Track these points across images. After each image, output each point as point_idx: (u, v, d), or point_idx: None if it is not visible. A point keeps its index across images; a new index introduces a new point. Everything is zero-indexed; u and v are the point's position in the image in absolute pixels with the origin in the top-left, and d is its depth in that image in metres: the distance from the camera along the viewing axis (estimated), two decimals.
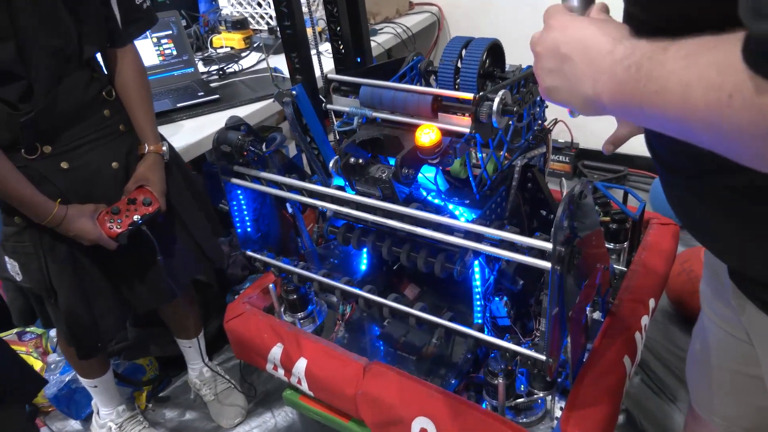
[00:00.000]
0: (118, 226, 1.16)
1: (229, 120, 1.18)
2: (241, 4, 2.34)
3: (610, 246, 1.45)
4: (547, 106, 1.32)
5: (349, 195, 1.05)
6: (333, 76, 1.10)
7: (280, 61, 2.01)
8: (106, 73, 1.28)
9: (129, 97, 1.26)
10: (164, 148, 1.31)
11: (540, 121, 1.30)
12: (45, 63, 1.10)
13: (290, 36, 1.15)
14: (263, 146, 1.20)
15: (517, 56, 1.25)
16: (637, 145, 3.00)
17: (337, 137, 1.29)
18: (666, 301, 1.88)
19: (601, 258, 1.08)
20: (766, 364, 0.71)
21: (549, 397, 1.11)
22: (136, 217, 1.18)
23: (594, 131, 2.64)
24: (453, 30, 2.77)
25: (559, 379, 1.13)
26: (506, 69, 1.27)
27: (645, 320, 1.22)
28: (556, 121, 1.34)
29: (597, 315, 1.22)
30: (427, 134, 0.94)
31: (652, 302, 1.27)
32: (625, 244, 1.45)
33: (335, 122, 1.15)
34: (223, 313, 1.85)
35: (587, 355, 1.14)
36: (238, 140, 1.13)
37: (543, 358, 0.92)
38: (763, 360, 0.72)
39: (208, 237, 1.46)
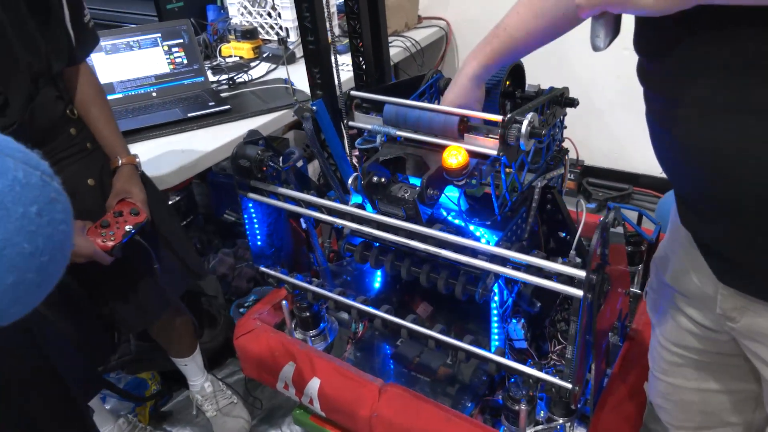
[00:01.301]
0: (112, 239, 1.12)
1: (248, 134, 1.16)
2: (251, 13, 2.33)
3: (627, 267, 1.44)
4: (566, 127, 1.31)
5: (372, 214, 1.03)
6: (355, 93, 1.09)
7: (290, 72, 2.00)
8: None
9: (91, 115, 1.24)
10: (138, 159, 1.28)
11: (558, 142, 1.29)
12: (20, 77, 1.08)
13: (313, 51, 1.14)
14: (280, 161, 1.19)
15: (526, 71, 1.24)
16: (641, 164, 3.01)
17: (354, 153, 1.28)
18: None
19: (622, 283, 1.07)
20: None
21: (568, 424, 1.09)
22: (128, 227, 1.15)
23: (600, 148, 2.65)
24: (460, 44, 2.77)
25: (578, 406, 1.11)
26: (525, 89, 1.27)
27: None
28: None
29: (615, 339, 1.21)
30: (455, 156, 0.93)
31: None
32: (640, 267, 1.44)
33: (352, 140, 1.13)
34: (227, 326, 1.84)
35: (606, 380, 1.13)
36: (257, 155, 1.11)
37: (569, 386, 0.91)
38: (763, 365, 0.72)
39: (188, 250, 1.43)
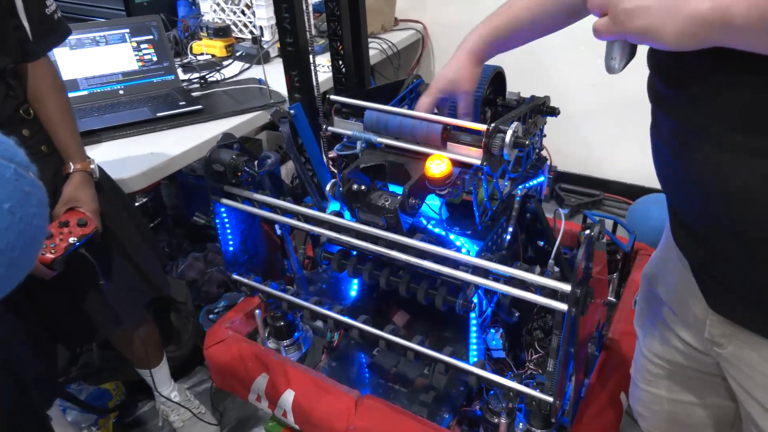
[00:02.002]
0: (52, 252, 1.04)
1: (222, 137, 1.12)
2: (223, 10, 2.27)
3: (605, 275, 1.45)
4: (545, 135, 1.31)
5: (351, 223, 1.00)
6: (335, 97, 1.06)
7: (261, 73, 1.95)
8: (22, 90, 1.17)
9: (48, 115, 1.16)
10: (92, 165, 1.20)
11: (538, 150, 1.29)
12: None
13: (292, 53, 1.10)
14: (256, 166, 1.15)
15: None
16: (613, 170, 3.05)
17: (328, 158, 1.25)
18: None
19: (601, 292, 1.07)
20: (751, 398, 0.71)
21: None
22: (72, 240, 1.06)
23: (573, 154, 2.68)
24: (436, 47, 2.76)
25: (557, 415, 1.10)
26: (506, 96, 1.26)
27: None
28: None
29: (592, 349, 1.21)
30: (438, 165, 0.91)
31: None
32: (615, 275, 1.45)
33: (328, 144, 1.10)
34: (196, 333, 1.78)
35: (584, 390, 1.13)
36: (232, 160, 1.07)
37: (551, 399, 0.90)
38: (745, 395, 0.72)
39: (150, 261, 1.36)
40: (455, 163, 0.95)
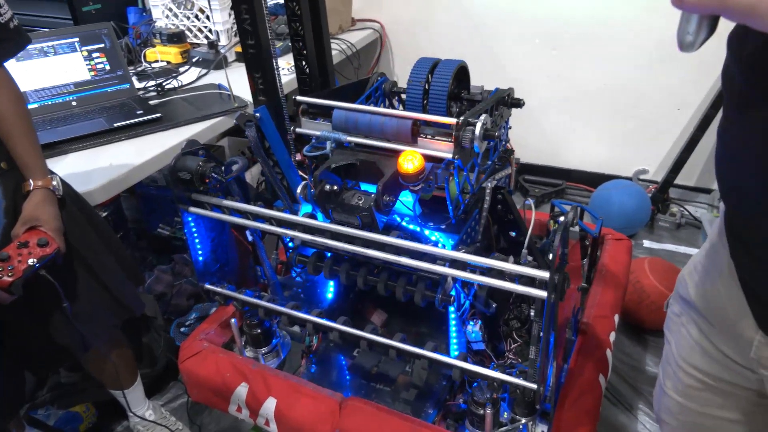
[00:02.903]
0: (10, 275, 0.98)
1: (186, 144, 1.09)
2: (176, 16, 2.21)
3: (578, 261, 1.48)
4: (510, 128, 1.33)
5: (326, 224, 0.99)
6: (301, 98, 1.04)
7: (221, 77, 1.92)
8: None
9: (5, 129, 1.10)
10: (54, 182, 1.14)
11: (504, 142, 1.30)
12: None
13: (254, 55, 1.08)
14: (223, 171, 1.12)
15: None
16: (573, 159, 3.11)
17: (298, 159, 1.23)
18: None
19: (575, 279, 1.09)
20: None
21: (531, 423, 1.10)
22: (31, 261, 1.01)
23: (533, 146, 2.73)
24: (395, 46, 2.77)
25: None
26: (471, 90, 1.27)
27: (613, 336, 1.25)
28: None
29: (569, 333, 1.23)
30: (411, 161, 0.91)
31: (616, 317, 1.31)
32: (585, 261, 1.48)
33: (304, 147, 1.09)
34: (167, 348, 1.73)
35: (563, 376, 1.15)
36: (198, 167, 1.04)
37: (535, 387, 0.91)
38: None
39: (121, 283, 1.31)
40: (427, 158, 0.95)
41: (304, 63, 1.14)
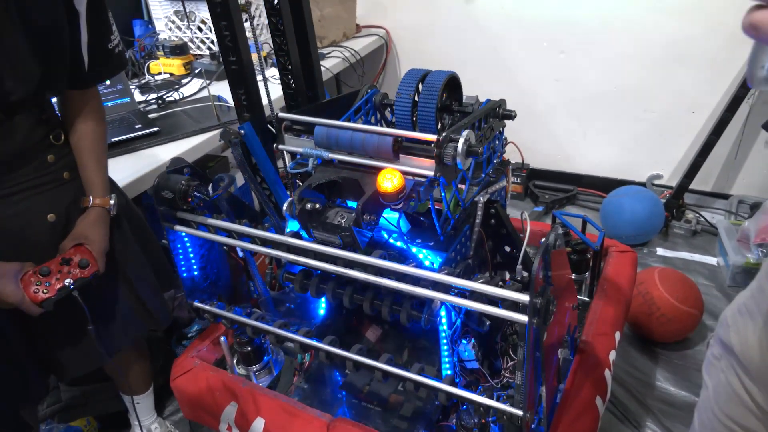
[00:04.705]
0: (45, 291, 1.00)
1: (171, 162, 1.08)
2: (179, 28, 2.22)
3: (572, 277, 1.43)
4: (506, 139, 1.29)
5: (306, 243, 0.97)
6: (284, 114, 1.03)
7: (223, 89, 1.91)
8: (59, 114, 1.14)
9: (81, 144, 1.13)
10: (111, 201, 1.16)
11: (499, 153, 1.27)
12: None
13: (236, 71, 1.07)
14: (209, 189, 1.11)
15: (465, 80, 1.20)
16: (584, 164, 3.04)
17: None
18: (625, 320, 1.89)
19: (569, 298, 1.05)
20: None
21: None
22: (67, 281, 1.02)
23: (543, 151, 2.67)
24: (401, 52, 2.74)
25: (532, 425, 1.08)
26: (463, 101, 1.24)
27: (613, 355, 1.20)
28: (506, 143, 1.30)
29: (566, 353, 1.19)
30: (389, 180, 0.88)
31: (617, 335, 1.26)
32: (587, 274, 1.43)
33: (288, 163, 1.07)
34: (170, 361, 1.72)
35: (559, 395, 1.11)
36: (181, 186, 1.03)
37: (520, 413, 0.87)
38: None
39: (154, 295, 1.31)
40: (408, 175, 0.93)
41: (289, 77, 1.12)
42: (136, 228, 1.28)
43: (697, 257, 2.23)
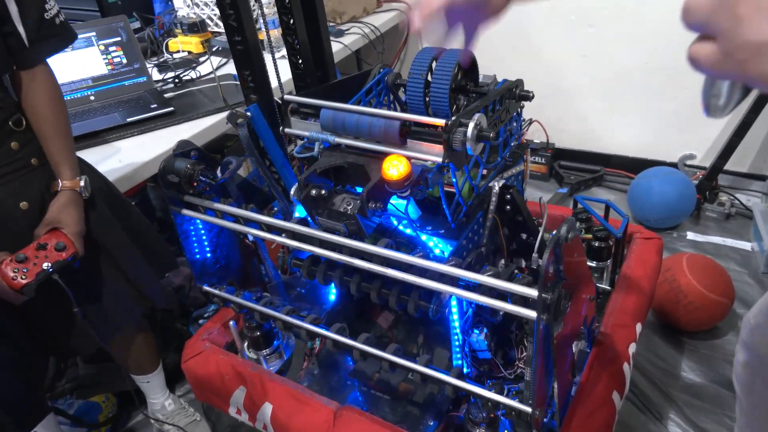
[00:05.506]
0: (24, 277, 0.99)
1: (177, 145, 1.06)
2: (197, 5, 2.19)
3: (593, 264, 1.38)
4: (530, 118, 1.23)
5: (311, 230, 0.95)
6: (290, 97, 0.99)
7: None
8: (15, 99, 1.12)
9: (41, 127, 1.10)
10: (82, 183, 1.14)
11: (517, 136, 1.21)
12: None
13: (242, 51, 1.03)
14: (218, 171, 1.09)
15: (488, 58, 1.14)
16: (613, 144, 2.93)
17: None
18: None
19: (586, 289, 1.00)
20: None
21: None
22: (45, 265, 1.01)
23: (569, 130, 2.58)
24: None
25: (545, 419, 1.05)
26: (479, 81, 1.18)
27: (633, 348, 1.15)
28: (531, 122, 1.24)
29: (583, 345, 1.15)
30: (395, 167, 0.84)
31: (639, 327, 1.21)
32: (609, 262, 1.38)
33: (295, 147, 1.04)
34: (184, 342, 1.74)
35: (574, 388, 1.07)
36: (186, 169, 1.01)
37: (529, 410, 0.84)
38: None
39: (146, 276, 1.31)
40: (417, 161, 0.89)
41: (297, 58, 1.08)
42: (119, 210, 1.26)
43: (729, 242, 2.14)
